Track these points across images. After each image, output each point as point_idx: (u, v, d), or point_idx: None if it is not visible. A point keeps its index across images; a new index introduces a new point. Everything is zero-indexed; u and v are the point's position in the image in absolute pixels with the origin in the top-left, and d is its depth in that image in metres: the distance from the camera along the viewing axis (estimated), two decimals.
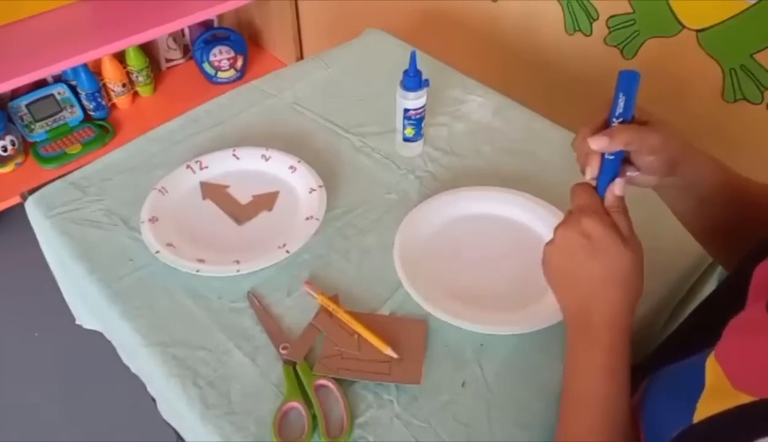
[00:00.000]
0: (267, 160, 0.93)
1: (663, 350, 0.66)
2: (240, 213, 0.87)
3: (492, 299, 0.76)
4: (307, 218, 0.84)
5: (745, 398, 0.42)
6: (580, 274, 0.59)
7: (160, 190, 0.87)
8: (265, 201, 0.89)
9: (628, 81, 0.57)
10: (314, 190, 0.88)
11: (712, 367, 0.48)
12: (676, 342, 0.65)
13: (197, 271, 0.77)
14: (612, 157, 0.59)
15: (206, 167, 0.91)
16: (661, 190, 0.67)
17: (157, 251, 0.78)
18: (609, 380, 0.57)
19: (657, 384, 0.57)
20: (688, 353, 0.52)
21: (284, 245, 0.80)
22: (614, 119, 0.58)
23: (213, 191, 0.90)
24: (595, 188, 0.60)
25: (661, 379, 0.57)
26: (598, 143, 0.57)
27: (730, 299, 0.52)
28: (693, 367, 0.49)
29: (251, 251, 0.80)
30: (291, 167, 0.91)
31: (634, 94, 0.57)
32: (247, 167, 0.92)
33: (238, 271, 0.77)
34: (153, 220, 0.82)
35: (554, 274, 0.62)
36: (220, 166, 0.92)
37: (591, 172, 0.60)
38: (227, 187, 0.90)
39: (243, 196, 0.89)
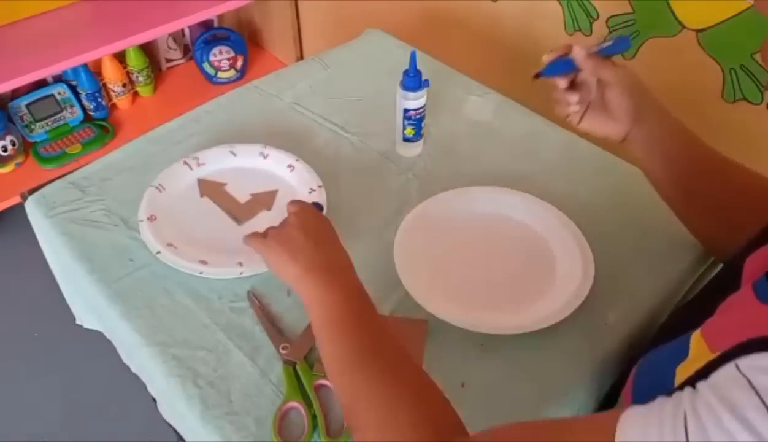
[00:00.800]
0: (265, 157, 0.93)
1: (655, 339, 0.66)
2: (239, 212, 0.87)
3: (492, 299, 0.76)
4: None
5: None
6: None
7: (157, 188, 0.86)
8: (264, 200, 0.88)
9: (625, 44, 0.72)
10: (314, 190, 0.87)
11: (696, 340, 0.48)
12: (667, 331, 0.65)
13: (200, 273, 0.77)
14: (567, 63, 0.73)
15: (203, 164, 0.91)
16: (633, 146, 0.75)
17: (158, 252, 0.78)
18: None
19: (645, 364, 0.58)
20: (679, 334, 0.52)
21: None
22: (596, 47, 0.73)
23: (211, 189, 0.89)
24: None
25: (650, 358, 0.58)
26: (577, 52, 0.72)
27: (722, 291, 0.52)
28: (679, 343, 0.50)
29: (254, 252, 0.80)
30: (289, 166, 0.91)
31: (617, 52, 0.72)
32: (245, 165, 0.92)
33: (241, 273, 0.77)
34: (152, 218, 0.82)
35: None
36: (217, 162, 0.92)
37: (548, 57, 0.74)
38: (224, 184, 0.90)
39: (241, 194, 0.89)
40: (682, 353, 0.49)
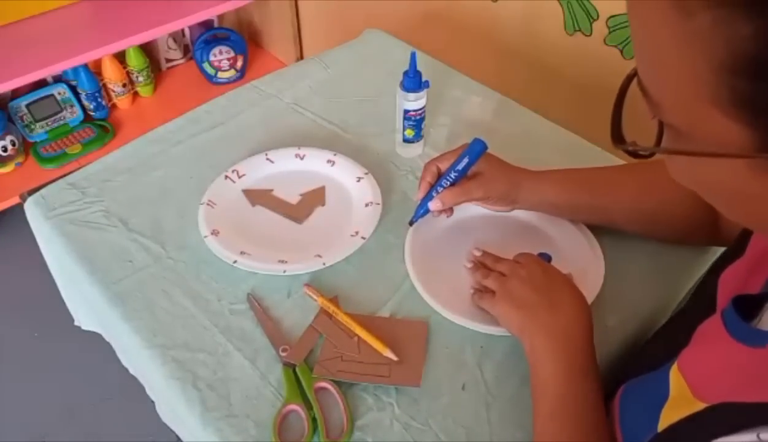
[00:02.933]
0: (302, 159, 0.93)
1: (638, 360, 0.66)
2: (296, 213, 0.87)
3: None
4: (367, 205, 0.85)
5: (702, 406, 0.43)
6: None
7: (208, 204, 0.85)
8: (316, 197, 0.89)
9: (477, 149, 0.74)
10: (361, 178, 0.89)
11: (675, 377, 0.49)
12: (649, 352, 0.66)
13: (284, 271, 0.77)
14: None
15: (244, 175, 0.90)
16: (525, 208, 0.81)
17: (235, 261, 0.77)
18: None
19: (629, 393, 0.59)
20: (660, 363, 0.53)
21: (357, 233, 0.81)
22: (453, 172, 0.74)
23: (259, 197, 0.89)
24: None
25: (633, 388, 0.58)
26: (435, 206, 0.75)
27: (701, 308, 0.52)
28: (659, 376, 0.51)
29: (326, 244, 0.81)
30: (329, 161, 0.92)
31: (476, 160, 0.74)
32: (284, 169, 0.92)
33: (324, 264, 0.78)
34: (215, 233, 0.81)
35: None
36: (256, 172, 0.91)
37: (418, 196, 0.78)
38: (271, 190, 0.90)
39: (290, 196, 0.89)
40: (663, 391, 0.49)
